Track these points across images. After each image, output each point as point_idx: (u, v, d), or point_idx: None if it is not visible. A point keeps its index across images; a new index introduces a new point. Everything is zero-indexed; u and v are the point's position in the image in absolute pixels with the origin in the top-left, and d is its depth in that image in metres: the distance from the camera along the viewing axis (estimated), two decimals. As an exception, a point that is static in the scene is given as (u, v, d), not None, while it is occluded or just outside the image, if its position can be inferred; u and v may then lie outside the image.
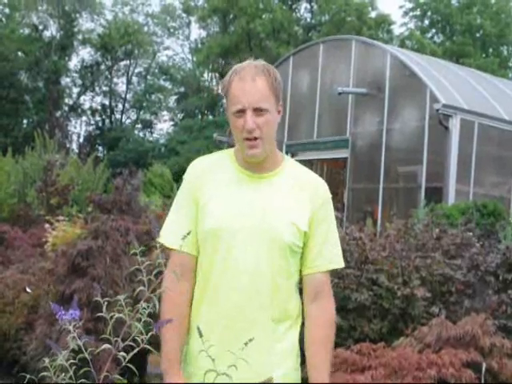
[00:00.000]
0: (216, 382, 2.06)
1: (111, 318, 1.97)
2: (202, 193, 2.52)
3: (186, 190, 2.59)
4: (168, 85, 49.81)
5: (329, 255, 2.56)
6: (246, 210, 2.47)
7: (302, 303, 2.58)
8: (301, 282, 2.60)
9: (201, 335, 2.10)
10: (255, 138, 2.44)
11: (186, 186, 2.61)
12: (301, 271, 2.57)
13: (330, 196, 2.61)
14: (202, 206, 2.51)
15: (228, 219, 2.46)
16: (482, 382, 4.52)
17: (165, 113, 50.90)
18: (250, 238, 2.44)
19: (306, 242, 2.52)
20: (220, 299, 2.47)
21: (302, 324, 2.59)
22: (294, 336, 2.54)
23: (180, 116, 48.43)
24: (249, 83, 2.42)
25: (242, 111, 2.43)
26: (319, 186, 2.59)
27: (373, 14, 39.01)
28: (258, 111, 2.42)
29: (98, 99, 47.39)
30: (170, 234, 2.53)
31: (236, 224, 2.45)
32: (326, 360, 2.53)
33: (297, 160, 2.75)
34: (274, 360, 2.47)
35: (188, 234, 2.23)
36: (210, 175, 2.55)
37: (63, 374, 1.92)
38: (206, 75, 47.92)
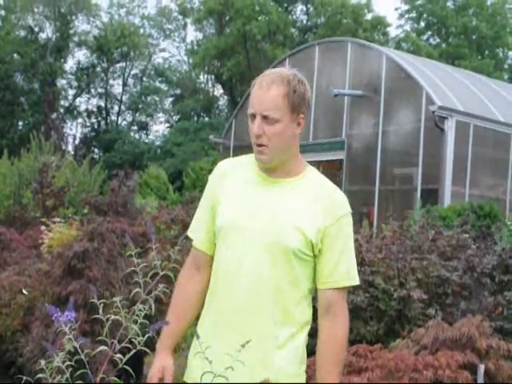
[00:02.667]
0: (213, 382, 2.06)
1: (107, 319, 1.97)
2: (221, 193, 2.57)
3: (207, 189, 2.68)
4: (164, 87, 49.79)
5: (344, 272, 2.51)
6: (253, 211, 2.49)
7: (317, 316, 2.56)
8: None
9: (198, 337, 2.10)
10: (261, 145, 2.45)
11: (208, 185, 2.68)
12: (315, 284, 2.54)
13: (349, 211, 2.55)
14: (219, 204, 2.57)
15: (235, 219, 2.50)
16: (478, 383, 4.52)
17: (160, 114, 50.92)
18: (253, 239, 2.46)
19: (320, 255, 2.49)
20: (223, 299, 2.50)
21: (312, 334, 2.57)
22: (298, 342, 2.51)
23: (176, 118, 48.42)
24: (264, 90, 2.43)
25: (253, 116, 2.45)
26: (337, 201, 2.54)
27: (369, 16, 39.05)
28: (268, 120, 2.42)
29: (94, 101, 47.45)
30: (191, 230, 2.69)
31: (242, 224, 2.48)
32: (331, 375, 2.51)
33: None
34: (274, 365, 2.46)
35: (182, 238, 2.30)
36: (231, 175, 2.60)
37: (59, 376, 1.92)
38: (201, 77, 47.95)
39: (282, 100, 2.42)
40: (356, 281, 2.57)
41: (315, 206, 2.48)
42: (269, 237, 2.44)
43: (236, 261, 2.47)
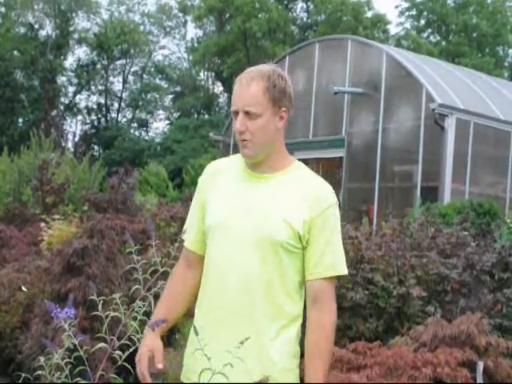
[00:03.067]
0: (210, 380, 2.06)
1: (107, 316, 1.98)
2: (210, 192, 2.62)
3: (198, 190, 2.72)
4: (164, 84, 49.78)
5: (330, 262, 2.53)
6: (240, 208, 2.52)
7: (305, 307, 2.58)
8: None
9: (196, 334, 2.10)
10: (245, 140, 2.50)
11: (198, 186, 2.73)
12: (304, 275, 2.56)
13: (335, 203, 2.58)
14: (208, 204, 2.61)
15: (222, 217, 2.53)
16: (478, 381, 4.52)
17: (161, 112, 50.94)
18: (241, 236, 2.48)
19: (307, 247, 2.51)
20: (214, 297, 2.51)
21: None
22: (289, 336, 2.53)
23: (176, 115, 48.39)
24: (244, 87, 2.49)
25: (236, 113, 2.50)
26: (322, 194, 2.56)
27: (369, 14, 38.99)
28: (250, 115, 2.47)
29: (94, 98, 47.46)
30: (184, 232, 2.66)
31: (229, 222, 2.51)
32: (317, 368, 2.50)
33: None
34: (265, 359, 2.47)
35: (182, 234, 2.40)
36: (220, 175, 2.64)
37: (59, 373, 1.92)
38: (202, 74, 47.93)
39: (263, 95, 2.48)
40: (343, 271, 2.58)
41: (301, 199, 2.51)
42: (257, 232, 2.47)
43: (225, 259, 2.50)
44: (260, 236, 2.46)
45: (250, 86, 2.47)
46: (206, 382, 2.07)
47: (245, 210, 2.50)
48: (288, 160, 2.62)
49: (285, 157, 2.61)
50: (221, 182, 2.60)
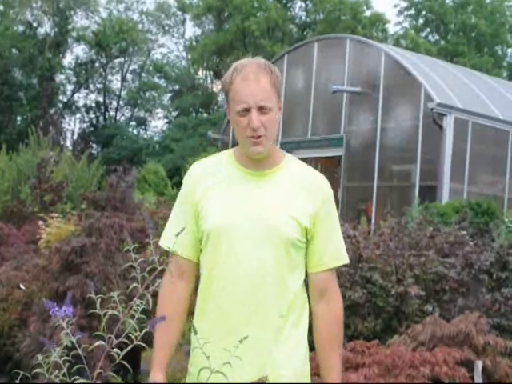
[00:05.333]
0: (215, 381, 2.06)
1: (105, 314, 1.97)
2: (201, 194, 2.51)
3: (184, 193, 2.59)
4: (162, 82, 49.75)
5: (334, 252, 2.56)
6: (245, 207, 2.46)
7: (309, 301, 2.57)
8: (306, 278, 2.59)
9: (196, 333, 2.10)
10: (259, 136, 2.43)
11: (184, 189, 2.60)
12: (307, 269, 2.55)
13: (332, 193, 2.59)
14: (202, 207, 2.50)
15: (228, 218, 2.45)
16: (476, 380, 4.52)
17: (159, 110, 50.87)
18: (250, 235, 2.43)
19: (311, 239, 2.51)
20: (225, 299, 2.46)
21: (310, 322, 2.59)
22: (301, 332, 2.53)
23: (174, 113, 48.34)
24: (253, 82, 2.41)
25: (246, 110, 2.42)
26: (321, 184, 2.57)
27: (367, 13, 39.03)
28: (263, 110, 2.42)
29: (93, 96, 47.39)
30: (167, 238, 2.54)
31: (236, 222, 2.44)
32: (336, 359, 2.54)
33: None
34: (279, 358, 2.45)
35: (179, 233, 2.25)
36: (209, 176, 2.54)
37: (57, 371, 1.91)
38: (200, 73, 47.87)
39: (271, 88, 2.45)
40: (346, 259, 2.61)
41: (303, 193, 2.50)
42: (268, 231, 2.43)
43: (235, 261, 2.44)
44: (272, 235, 2.43)
45: (259, 81, 2.42)
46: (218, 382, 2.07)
47: (252, 210, 2.45)
48: (280, 153, 2.60)
49: (278, 150, 2.59)
50: (212, 184, 2.51)
